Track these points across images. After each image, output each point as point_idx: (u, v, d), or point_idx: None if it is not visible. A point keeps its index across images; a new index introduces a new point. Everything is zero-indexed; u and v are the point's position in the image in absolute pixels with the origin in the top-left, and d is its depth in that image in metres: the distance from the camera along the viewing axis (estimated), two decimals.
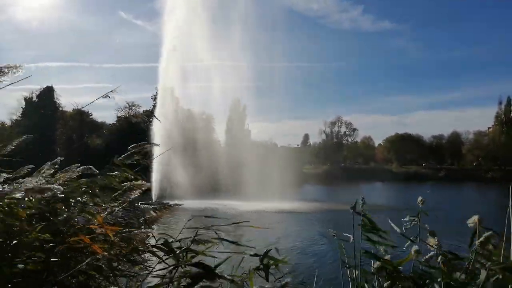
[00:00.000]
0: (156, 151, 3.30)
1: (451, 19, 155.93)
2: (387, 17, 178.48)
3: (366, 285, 2.28)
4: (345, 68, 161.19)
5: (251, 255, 1.87)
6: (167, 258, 1.94)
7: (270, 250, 1.85)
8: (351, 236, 2.43)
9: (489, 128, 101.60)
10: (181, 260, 1.81)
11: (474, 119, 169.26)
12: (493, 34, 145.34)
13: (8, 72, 2.09)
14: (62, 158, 2.93)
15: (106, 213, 2.36)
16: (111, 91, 2.62)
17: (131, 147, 2.83)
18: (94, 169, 2.78)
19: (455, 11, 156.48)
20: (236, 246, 2.02)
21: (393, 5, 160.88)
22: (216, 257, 2.00)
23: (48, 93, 66.55)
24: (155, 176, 39.25)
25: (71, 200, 2.35)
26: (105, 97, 2.57)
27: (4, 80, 2.07)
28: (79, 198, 2.44)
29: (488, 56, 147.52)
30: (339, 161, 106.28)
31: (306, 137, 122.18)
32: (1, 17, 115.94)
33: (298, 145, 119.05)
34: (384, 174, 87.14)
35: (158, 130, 42.18)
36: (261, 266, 1.82)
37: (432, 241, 2.10)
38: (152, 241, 2.14)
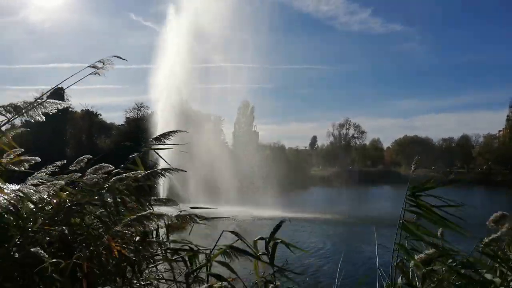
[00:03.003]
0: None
1: (461, 22, 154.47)
2: (396, 20, 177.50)
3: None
4: (354, 70, 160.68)
5: (258, 239, 1.87)
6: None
7: (277, 229, 1.84)
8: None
9: (499, 131, 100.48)
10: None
11: (483, 123, 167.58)
12: (503, 37, 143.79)
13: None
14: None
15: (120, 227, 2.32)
16: (96, 67, 2.34)
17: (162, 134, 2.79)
18: (109, 165, 2.74)
19: (464, 14, 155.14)
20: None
21: (402, 8, 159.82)
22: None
23: (58, 94, 67.18)
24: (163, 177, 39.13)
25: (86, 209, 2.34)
26: (94, 74, 2.32)
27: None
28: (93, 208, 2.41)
29: (499, 59, 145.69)
30: (347, 163, 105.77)
31: (314, 139, 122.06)
32: (14, 18, 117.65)
33: (306, 147, 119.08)
34: (392, 177, 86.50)
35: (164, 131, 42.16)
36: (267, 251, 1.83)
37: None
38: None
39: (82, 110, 72.80)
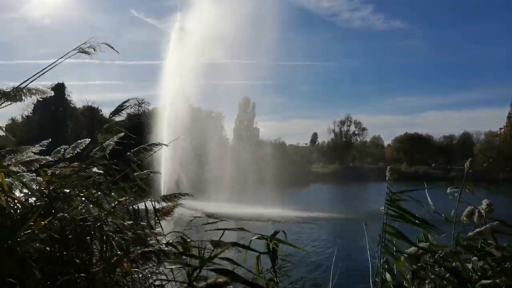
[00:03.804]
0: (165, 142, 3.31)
1: (463, 19, 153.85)
2: (398, 17, 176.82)
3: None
4: (355, 67, 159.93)
5: (257, 238, 1.89)
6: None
7: (277, 232, 1.85)
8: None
9: (500, 128, 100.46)
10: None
11: (485, 120, 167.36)
12: (505, 35, 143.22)
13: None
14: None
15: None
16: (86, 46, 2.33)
17: (139, 148, 2.84)
18: (86, 139, 2.75)
19: (467, 11, 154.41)
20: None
21: (404, 4, 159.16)
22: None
23: (59, 89, 67.20)
24: (164, 174, 39.19)
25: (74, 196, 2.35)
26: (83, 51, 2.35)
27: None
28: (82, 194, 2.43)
29: (500, 57, 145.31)
30: (348, 160, 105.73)
31: (315, 136, 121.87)
32: (14, 14, 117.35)
33: (306, 144, 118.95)
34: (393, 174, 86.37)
35: (166, 129, 42.11)
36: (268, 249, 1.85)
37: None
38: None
39: (83, 106, 72.91)
